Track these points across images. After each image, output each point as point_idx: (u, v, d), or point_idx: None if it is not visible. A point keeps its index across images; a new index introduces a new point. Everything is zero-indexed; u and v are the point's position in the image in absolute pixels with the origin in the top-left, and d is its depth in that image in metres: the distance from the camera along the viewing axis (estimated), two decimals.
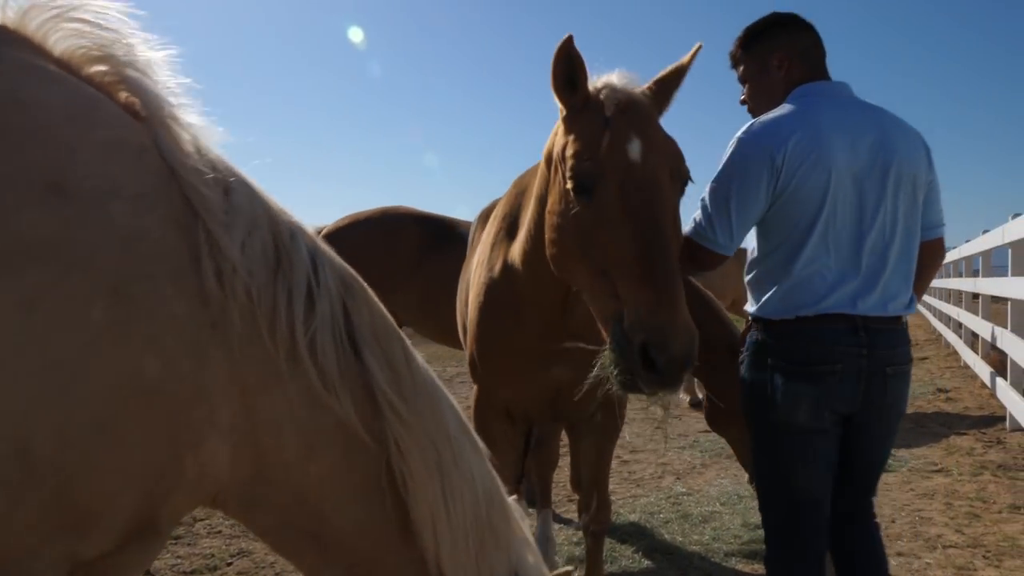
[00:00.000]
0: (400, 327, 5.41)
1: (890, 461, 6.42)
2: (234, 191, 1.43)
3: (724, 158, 2.47)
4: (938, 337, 16.62)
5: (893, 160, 2.48)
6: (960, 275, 13.41)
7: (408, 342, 1.68)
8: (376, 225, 5.20)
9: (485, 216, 3.53)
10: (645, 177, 2.22)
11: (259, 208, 1.47)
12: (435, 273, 4.73)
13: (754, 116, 2.62)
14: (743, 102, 2.82)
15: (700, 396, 9.66)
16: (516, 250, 2.81)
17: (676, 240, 2.26)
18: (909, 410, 8.67)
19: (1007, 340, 7.10)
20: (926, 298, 21.85)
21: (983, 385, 9.38)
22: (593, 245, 2.22)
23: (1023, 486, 5.58)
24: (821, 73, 2.66)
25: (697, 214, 2.52)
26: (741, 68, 2.78)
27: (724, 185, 2.43)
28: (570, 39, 2.32)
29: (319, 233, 5.57)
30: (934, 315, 18.47)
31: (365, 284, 1.65)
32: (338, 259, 1.63)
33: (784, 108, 2.52)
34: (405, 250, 4.92)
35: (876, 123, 2.52)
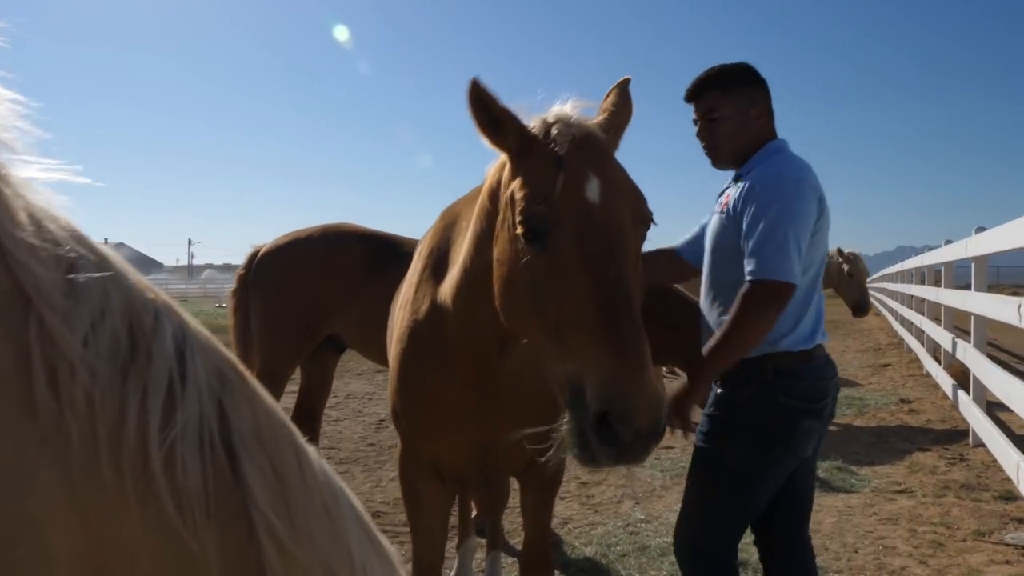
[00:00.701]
0: (343, 350, 5.11)
1: (853, 481, 6.35)
2: (79, 269, 1.18)
3: (782, 197, 2.55)
4: (900, 341, 16.67)
5: None
6: (923, 282, 13.41)
7: (304, 445, 1.42)
8: (317, 243, 4.93)
9: None
10: (605, 221, 1.97)
11: (112, 290, 1.20)
12: (379, 294, 4.48)
13: (718, 155, 2.83)
14: (706, 136, 2.80)
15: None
16: (446, 290, 2.55)
17: (640, 292, 2.03)
18: (872, 423, 8.64)
19: (970, 355, 7.00)
20: (888, 301, 21.96)
21: (945, 396, 9.32)
22: (547, 298, 1.96)
23: (986, 510, 5.47)
24: (773, 128, 2.85)
25: (766, 254, 2.50)
26: (714, 105, 2.76)
27: (796, 223, 2.53)
28: (475, 84, 2.11)
29: (257, 252, 5.33)
30: (896, 319, 18.53)
31: (248, 375, 1.39)
32: (216, 345, 1.36)
33: (794, 156, 2.74)
34: (347, 270, 4.65)
35: None
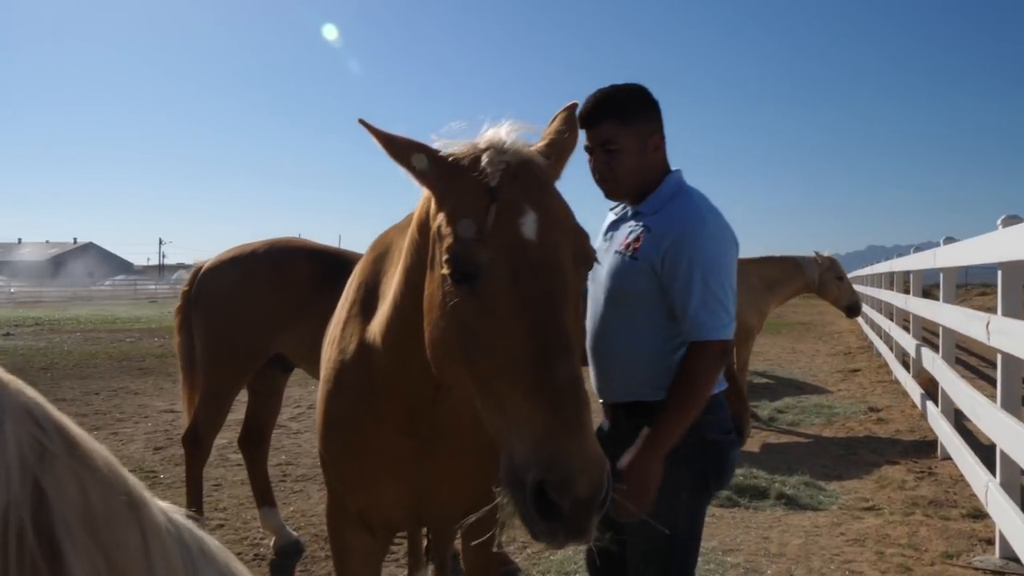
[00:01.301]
0: (291, 369, 4.88)
1: (821, 497, 6.22)
2: None
3: (714, 250, 2.47)
4: (870, 345, 16.67)
5: None
6: (892, 287, 13.37)
7: (159, 522, 1.16)
8: (262, 259, 4.71)
9: None
10: (543, 260, 1.77)
11: None
12: (326, 312, 4.27)
13: (616, 189, 2.65)
14: (604, 169, 2.61)
15: None
16: (375, 328, 2.34)
17: (581, 340, 1.83)
18: (840, 433, 8.55)
19: (938, 367, 6.91)
20: (863, 295, 22.00)
21: (915, 404, 9.25)
22: (477, 346, 1.76)
23: (955, 529, 5.36)
24: (668, 163, 2.72)
25: (710, 313, 2.43)
26: (612, 136, 2.56)
27: (729, 276, 2.50)
28: (375, 131, 1.96)
29: (199, 271, 5.10)
30: (866, 322, 18.55)
31: (84, 439, 1.12)
32: (41, 408, 1.10)
33: (703, 198, 2.61)
34: (294, 286, 4.44)
35: None
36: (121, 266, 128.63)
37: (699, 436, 2.49)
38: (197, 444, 4.89)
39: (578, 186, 2.60)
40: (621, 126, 2.54)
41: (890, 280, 13.52)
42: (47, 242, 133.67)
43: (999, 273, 4.67)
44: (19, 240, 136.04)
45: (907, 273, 10.72)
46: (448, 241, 1.83)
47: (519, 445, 1.62)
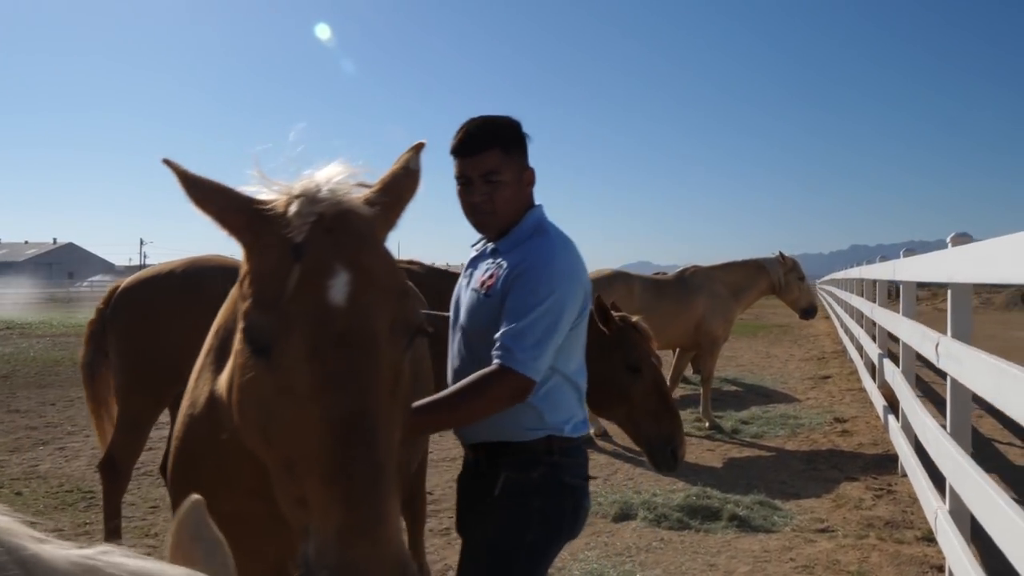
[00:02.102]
0: None
1: (775, 518, 6.04)
2: None
3: (553, 291, 2.38)
4: (844, 350, 16.57)
5: None
6: (862, 294, 13.25)
7: None
8: (177, 279, 4.48)
9: None
10: (350, 330, 1.55)
11: None
12: None
13: (490, 224, 2.56)
14: (486, 200, 2.51)
15: (604, 427, 9.23)
16: (223, 380, 2.04)
17: (398, 421, 1.60)
18: (804, 446, 8.40)
19: (897, 382, 6.76)
20: (836, 306, 21.91)
21: (879, 415, 9.11)
22: (275, 426, 1.56)
23: (907, 555, 5.19)
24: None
25: (525, 344, 2.34)
26: (496, 167, 2.48)
27: (561, 321, 2.39)
28: (177, 171, 1.75)
29: (115, 289, 4.87)
30: (841, 327, 18.45)
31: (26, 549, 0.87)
32: None
33: (560, 237, 2.55)
34: (210, 308, 4.22)
35: None
36: (102, 266, 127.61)
37: (558, 478, 2.48)
38: (114, 472, 4.65)
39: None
40: (504, 156, 2.49)
41: (860, 287, 13.36)
42: (26, 242, 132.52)
43: (948, 292, 4.51)
44: None
45: (874, 281, 10.58)
46: (245, 305, 1.62)
47: (312, 543, 1.42)
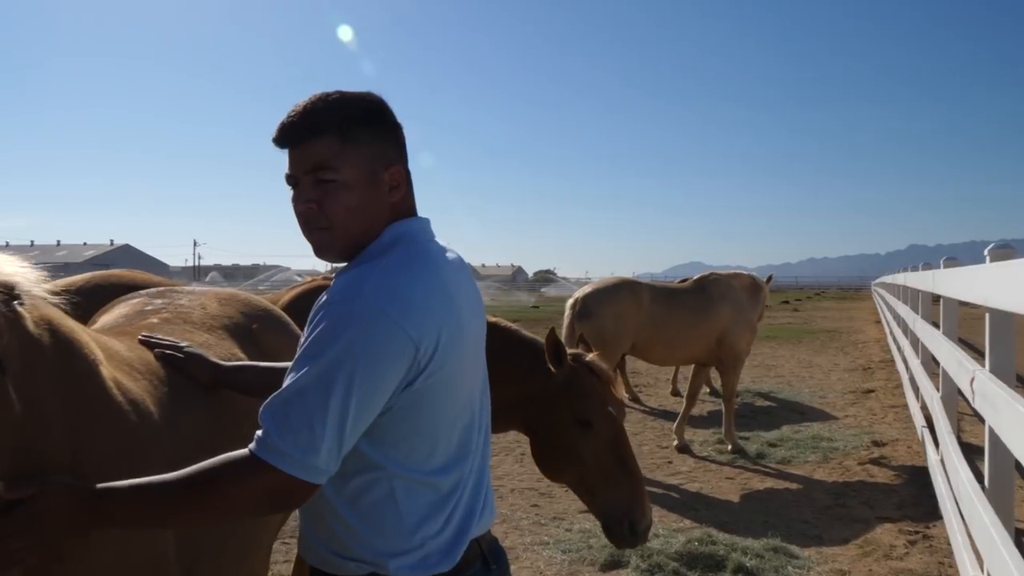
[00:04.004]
0: None
1: (789, 569, 5.22)
2: None
3: (344, 340, 1.58)
4: (892, 360, 15.53)
5: None
6: (907, 301, 12.23)
7: None
8: (87, 296, 3.91)
9: None
10: None
11: None
12: None
13: (330, 239, 1.77)
14: (313, 209, 1.74)
15: (686, 441, 8.56)
16: None
17: None
18: (835, 475, 7.53)
19: (936, 409, 5.91)
20: (887, 311, 20.75)
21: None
22: None
23: None
24: (413, 200, 1.89)
25: (283, 421, 1.57)
26: (327, 159, 1.73)
27: (355, 387, 1.57)
28: None
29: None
30: (890, 334, 17.37)
31: None
32: None
33: (410, 261, 1.73)
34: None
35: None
36: (157, 268, 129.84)
37: None
38: None
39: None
40: (344, 146, 1.73)
41: (905, 293, 12.33)
42: (84, 244, 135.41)
43: (987, 317, 3.70)
44: (58, 243, 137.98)
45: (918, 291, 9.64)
46: None
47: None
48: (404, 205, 1.83)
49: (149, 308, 2.65)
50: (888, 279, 20.01)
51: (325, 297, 1.65)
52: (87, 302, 3.82)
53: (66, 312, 3.77)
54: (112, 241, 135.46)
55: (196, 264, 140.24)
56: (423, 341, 1.62)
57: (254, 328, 2.68)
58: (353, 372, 1.55)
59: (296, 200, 1.76)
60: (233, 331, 2.62)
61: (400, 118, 1.86)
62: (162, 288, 2.93)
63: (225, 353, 2.43)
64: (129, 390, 1.92)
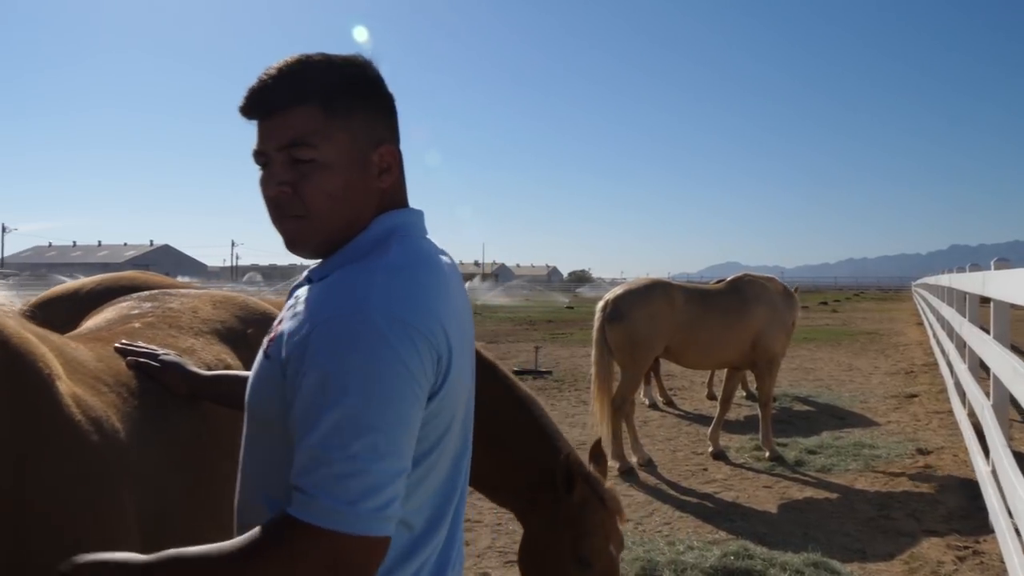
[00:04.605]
0: None
1: None
2: None
3: (360, 364, 1.30)
4: (936, 363, 15.09)
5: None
6: (952, 304, 11.84)
7: None
8: (84, 300, 3.79)
9: None
10: None
11: None
12: None
13: (307, 231, 1.48)
14: (286, 192, 1.44)
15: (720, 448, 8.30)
16: None
17: None
18: (878, 484, 7.23)
19: (987, 418, 5.61)
20: (929, 314, 20.24)
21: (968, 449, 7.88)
22: None
23: None
24: (405, 188, 1.61)
25: (322, 468, 1.26)
26: (305, 133, 1.43)
27: (386, 416, 1.29)
28: None
29: (33, 303, 4.20)
30: (933, 336, 16.90)
31: None
32: None
33: (405, 261, 1.44)
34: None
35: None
36: (196, 268, 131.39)
37: None
38: None
39: None
40: (325, 118, 1.44)
41: (950, 296, 11.90)
42: (125, 244, 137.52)
43: None
44: (99, 243, 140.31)
45: (964, 293, 9.28)
46: None
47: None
48: (395, 193, 1.55)
49: (135, 312, 2.49)
50: (931, 280, 19.51)
51: (312, 308, 1.35)
52: (97, 305, 3.71)
53: (73, 310, 3.67)
54: (152, 241, 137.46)
55: (234, 264, 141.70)
56: (443, 352, 1.38)
57: (249, 333, 2.51)
58: (389, 399, 1.28)
59: (265, 182, 1.45)
60: (225, 336, 2.44)
61: (429, 116, 1.62)
62: (155, 291, 2.77)
63: (212, 358, 2.25)
64: (91, 407, 1.74)
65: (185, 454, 1.93)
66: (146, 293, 2.74)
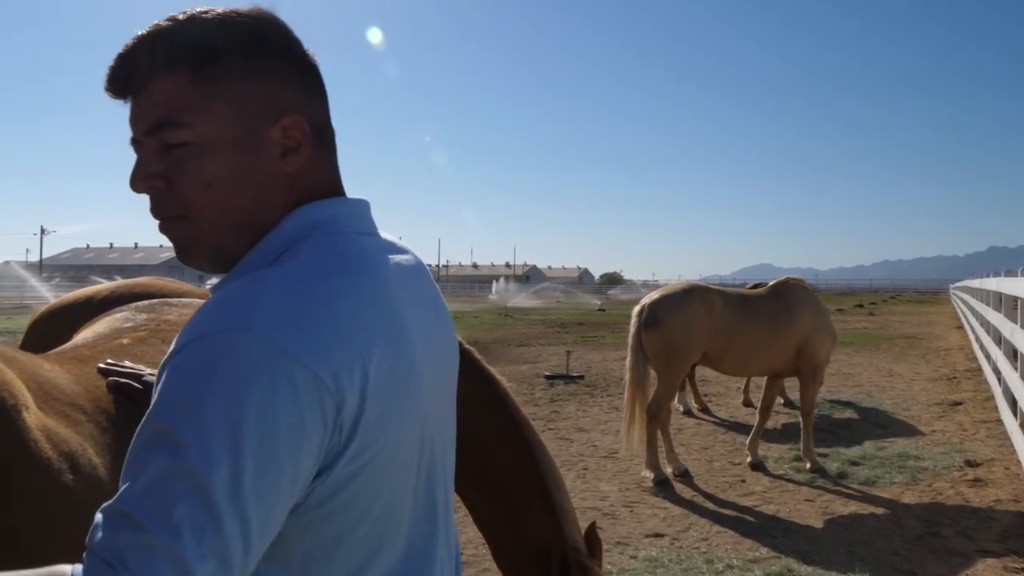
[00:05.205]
0: None
1: None
2: None
3: (185, 387, 0.96)
4: (979, 369, 14.64)
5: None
6: (1000, 308, 11.44)
7: None
8: (98, 307, 3.64)
9: None
10: None
11: None
12: None
13: (182, 238, 1.16)
14: (158, 185, 1.12)
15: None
16: None
17: None
18: (925, 498, 6.90)
19: None
20: (971, 317, 19.72)
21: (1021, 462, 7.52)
22: None
23: None
24: (335, 174, 1.25)
25: (108, 530, 0.91)
26: (177, 110, 1.10)
27: (218, 460, 0.92)
28: None
29: (44, 311, 4.07)
30: (975, 341, 16.42)
31: None
32: None
33: (332, 275, 1.08)
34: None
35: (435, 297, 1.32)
36: None
37: None
38: None
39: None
40: (195, 87, 1.11)
41: (998, 301, 11.46)
42: (160, 246, 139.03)
43: None
44: (135, 245, 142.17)
45: (1015, 298, 8.90)
46: None
47: None
48: (313, 179, 1.20)
49: (127, 325, 2.29)
50: (975, 283, 18.98)
51: (182, 331, 1.02)
52: (102, 310, 3.55)
53: (87, 316, 3.52)
54: None
55: None
56: (348, 400, 1.00)
57: None
58: (240, 448, 0.93)
59: (133, 176, 1.13)
60: None
61: (460, 118, 1.35)
62: (153, 301, 2.57)
63: None
64: (63, 440, 1.55)
65: None
66: (144, 303, 2.54)
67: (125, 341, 2.11)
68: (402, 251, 1.26)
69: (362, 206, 1.24)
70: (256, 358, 0.96)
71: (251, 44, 1.15)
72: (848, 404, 11.73)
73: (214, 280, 1.23)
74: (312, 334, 1.00)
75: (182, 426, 0.93)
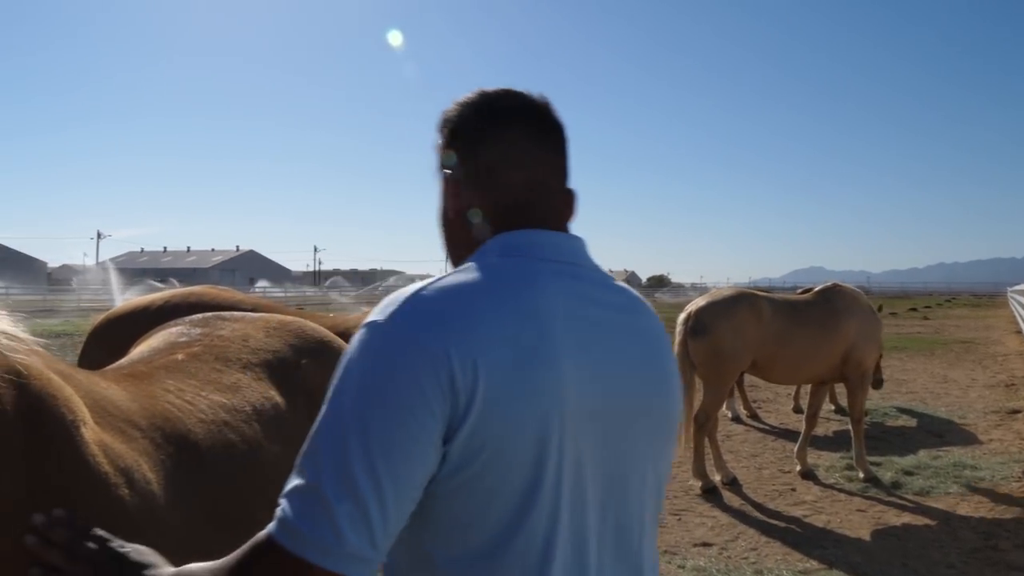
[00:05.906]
0: None
1: None
2: None
3: (341, 367, 1.21)
4: None
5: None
6: None
7: None
8: (152, 316, 3.74)
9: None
10: None
11: None
12: None
13: None
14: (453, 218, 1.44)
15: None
16: None
17: None
18: (982, 510, 6.73)
19: None
20: None
21: None
22: None
23: None
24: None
25: (284, 502, 1.13)
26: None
27: (370, 443, 1.11)
28: None
29: (102, 320, 4.18)
30: None
31: None
32: None
33: (476, 268, 1.29)
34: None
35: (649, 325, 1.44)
36: (280, 273, 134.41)
37: None
38: None
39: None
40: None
41: None
42: (212, 250, 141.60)
43: None
44: (188, 248, 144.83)
45: None
46: None
47: None
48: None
49: (182, 340, 2.33)
50: None
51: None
52: (163, 323, 3.63)
53: (143, 325, 3.61)
54: (238, 247, 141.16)
55: (316, 269, 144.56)
56: (460, 370, 1.14)
57: (303, 364, 2.33)
58: (368, 421, 1.12)
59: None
60: (275, 368, 2.26)
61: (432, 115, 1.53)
62: (208, 315, 2.62)
63: (258, 397, 2.09)
64: (120, 455, 1.59)
65: (222, 505, 1.77)
66: (198, 317, 2.59)
67: (180, 357, 2.15)
68: (605, 283, 1.38)
69: (564, 239, 1.39)
70: (390, 345, 1.17)
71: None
72: (902, 411, 11.51)
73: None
74: (446, 329, 1.17)
75: (336, 396, 1.17)
